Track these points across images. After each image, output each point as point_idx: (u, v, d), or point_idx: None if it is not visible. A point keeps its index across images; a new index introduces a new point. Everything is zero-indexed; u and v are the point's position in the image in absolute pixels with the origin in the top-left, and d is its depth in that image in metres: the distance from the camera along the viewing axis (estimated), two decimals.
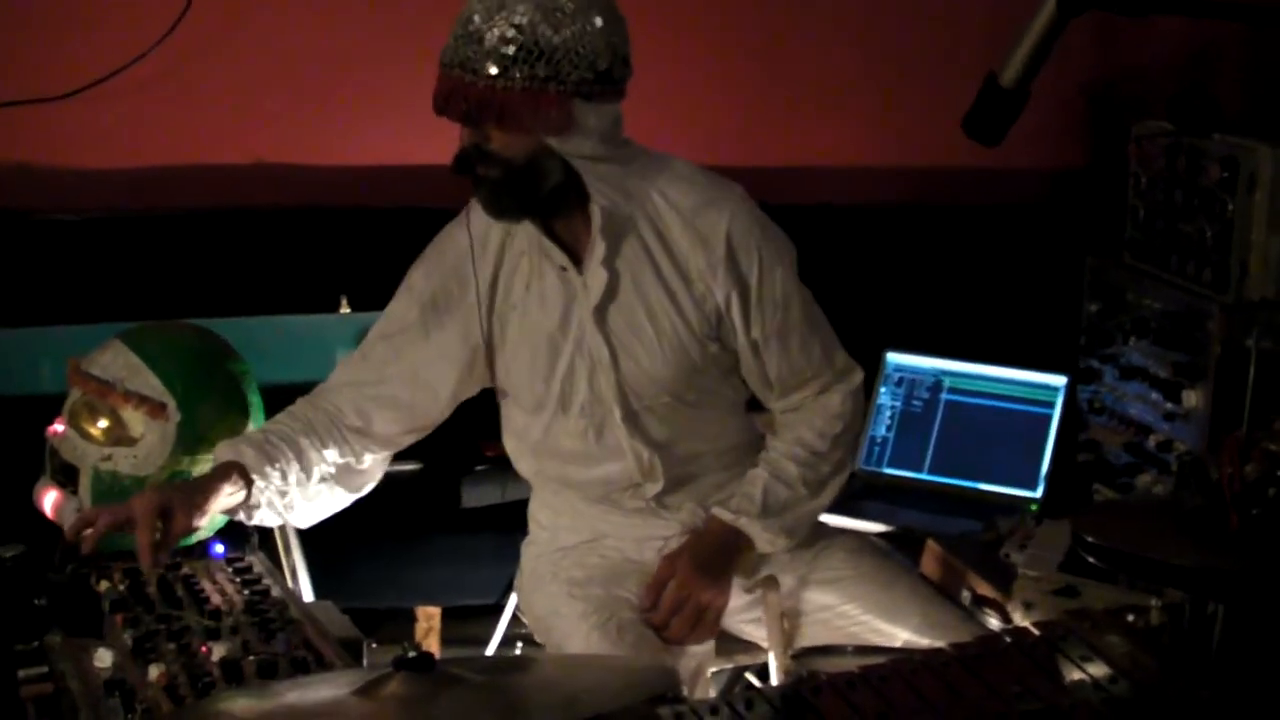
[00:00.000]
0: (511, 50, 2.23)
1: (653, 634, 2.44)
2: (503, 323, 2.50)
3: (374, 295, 3.29)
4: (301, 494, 2.46)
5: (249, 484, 2.37)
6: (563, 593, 2.51)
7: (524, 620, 2.73)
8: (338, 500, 2.54)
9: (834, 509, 3.06)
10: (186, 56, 3.39)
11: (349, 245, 3.51)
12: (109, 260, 3.37)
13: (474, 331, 2.50)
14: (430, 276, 2.53)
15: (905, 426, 3.53)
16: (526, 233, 2.45)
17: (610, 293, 2.43)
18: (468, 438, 3.19)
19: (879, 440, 3.53)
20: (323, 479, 2.49)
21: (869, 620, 2.53)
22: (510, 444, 2.64)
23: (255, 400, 2.61)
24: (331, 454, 2.49)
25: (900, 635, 2.50)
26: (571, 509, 2.60)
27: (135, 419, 2.49)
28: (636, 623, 2.45)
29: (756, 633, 2.56)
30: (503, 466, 2.75)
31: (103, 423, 2.50)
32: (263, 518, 2.43)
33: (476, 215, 2.47)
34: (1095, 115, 3.93)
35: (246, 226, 3.50)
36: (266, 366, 2.71)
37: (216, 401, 2.54)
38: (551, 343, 2.47)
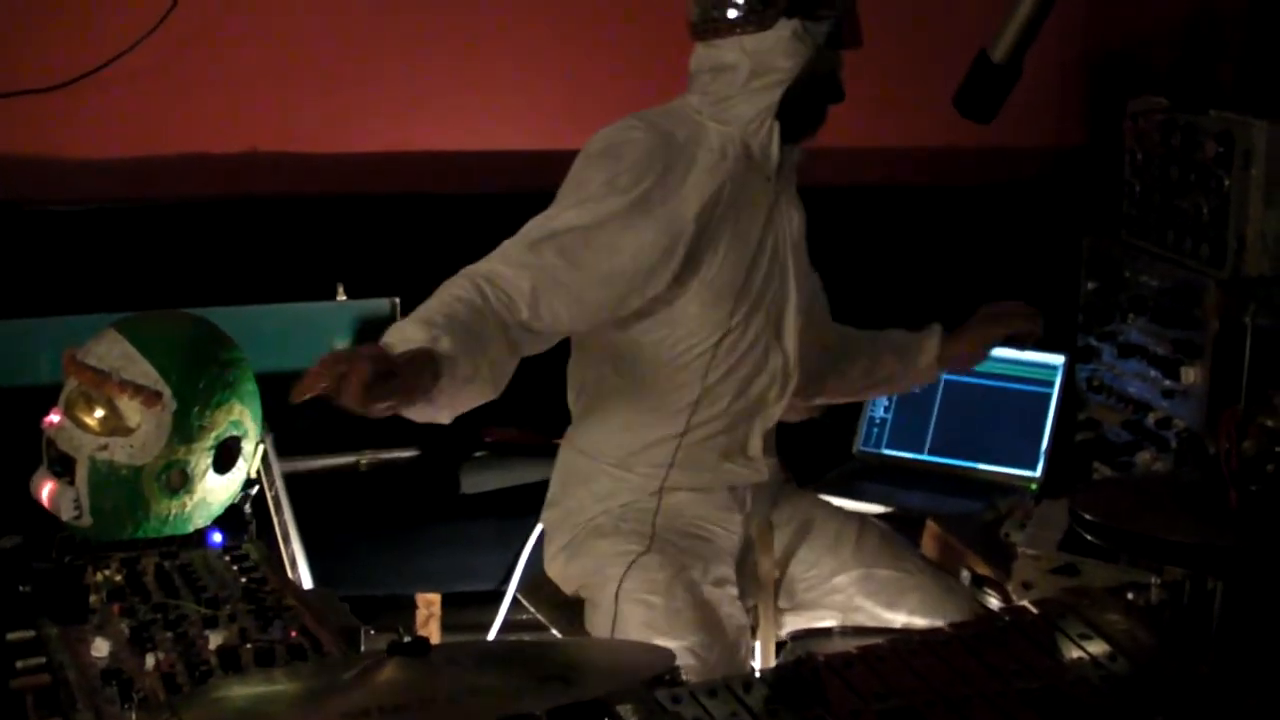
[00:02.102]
0: None
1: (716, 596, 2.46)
2: (718, 226, 2.49)
3: (370, 283, 3.29)
4: (473, 390, 2.27)
5: (436, 379, 2.17)
6: (621, 548, 2.48)
7: (526, 605, 2.72)
8: (478, 398, 2.32)
9: (833, 490, 3.08)
10: (179, 46, 3.39)
11: (345, 233, 3.50)
12: (104, 250, 3.37)
13: (681, 231, 2.44)
14: (645, 175, 2.42)
15: (904, 407, 3.52)
16: (735, 146, 2.52)
17: (789, 194, 2.62)
18: (466, 424, 3.18)
19: (878, 421, 3.53)
20: (481, 380, 2.28)
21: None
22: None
23: (251, 389, 2.61)
24: (496, 351, 2.29)
25: (898, 619, 2.51)
26: (638, 483, 2.55)
27: (131, 408, 2.48)
28: (708, 587, 2.47)
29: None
30: (502, 452, 2.73)
31: (99, 412, 2.49)
32: (415, 413, 2.23)
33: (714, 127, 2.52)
34: (1090, 91, 3.92)
35: (242, 215, 3.49)
36: (263, 355, 2.70)
37: (212, 390, 2.54)
38: (759, 243, 2.54)
